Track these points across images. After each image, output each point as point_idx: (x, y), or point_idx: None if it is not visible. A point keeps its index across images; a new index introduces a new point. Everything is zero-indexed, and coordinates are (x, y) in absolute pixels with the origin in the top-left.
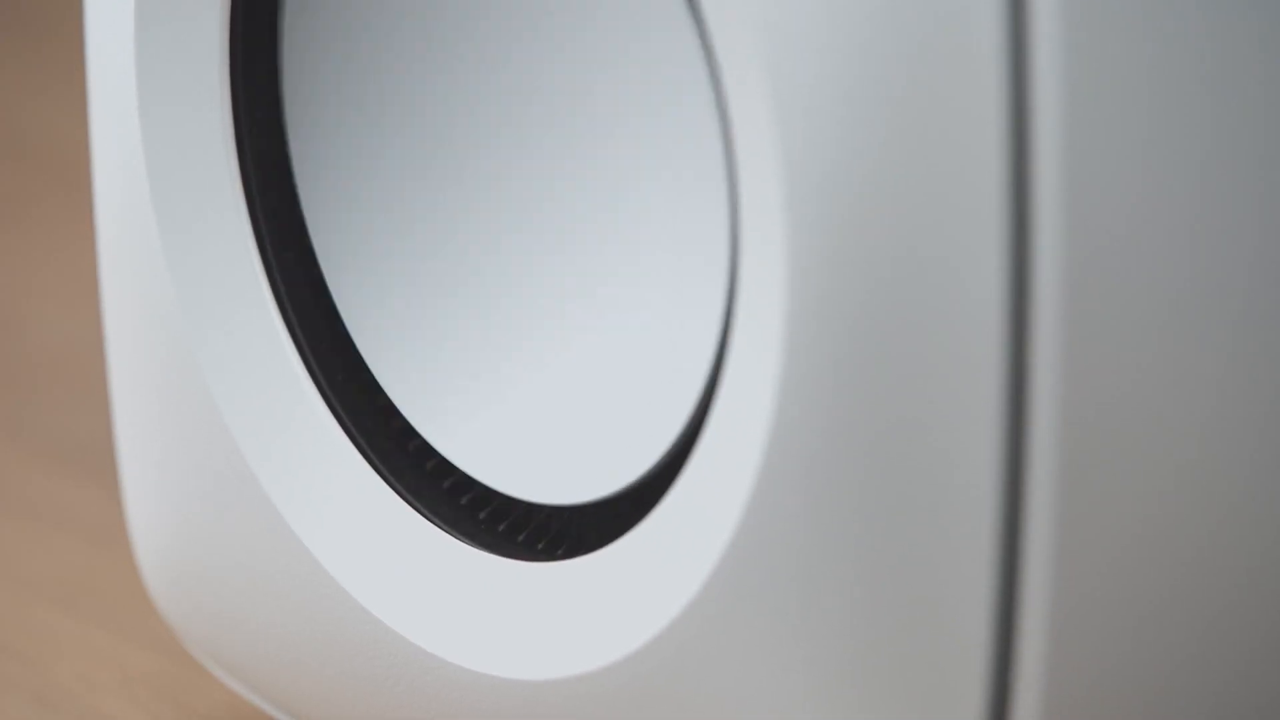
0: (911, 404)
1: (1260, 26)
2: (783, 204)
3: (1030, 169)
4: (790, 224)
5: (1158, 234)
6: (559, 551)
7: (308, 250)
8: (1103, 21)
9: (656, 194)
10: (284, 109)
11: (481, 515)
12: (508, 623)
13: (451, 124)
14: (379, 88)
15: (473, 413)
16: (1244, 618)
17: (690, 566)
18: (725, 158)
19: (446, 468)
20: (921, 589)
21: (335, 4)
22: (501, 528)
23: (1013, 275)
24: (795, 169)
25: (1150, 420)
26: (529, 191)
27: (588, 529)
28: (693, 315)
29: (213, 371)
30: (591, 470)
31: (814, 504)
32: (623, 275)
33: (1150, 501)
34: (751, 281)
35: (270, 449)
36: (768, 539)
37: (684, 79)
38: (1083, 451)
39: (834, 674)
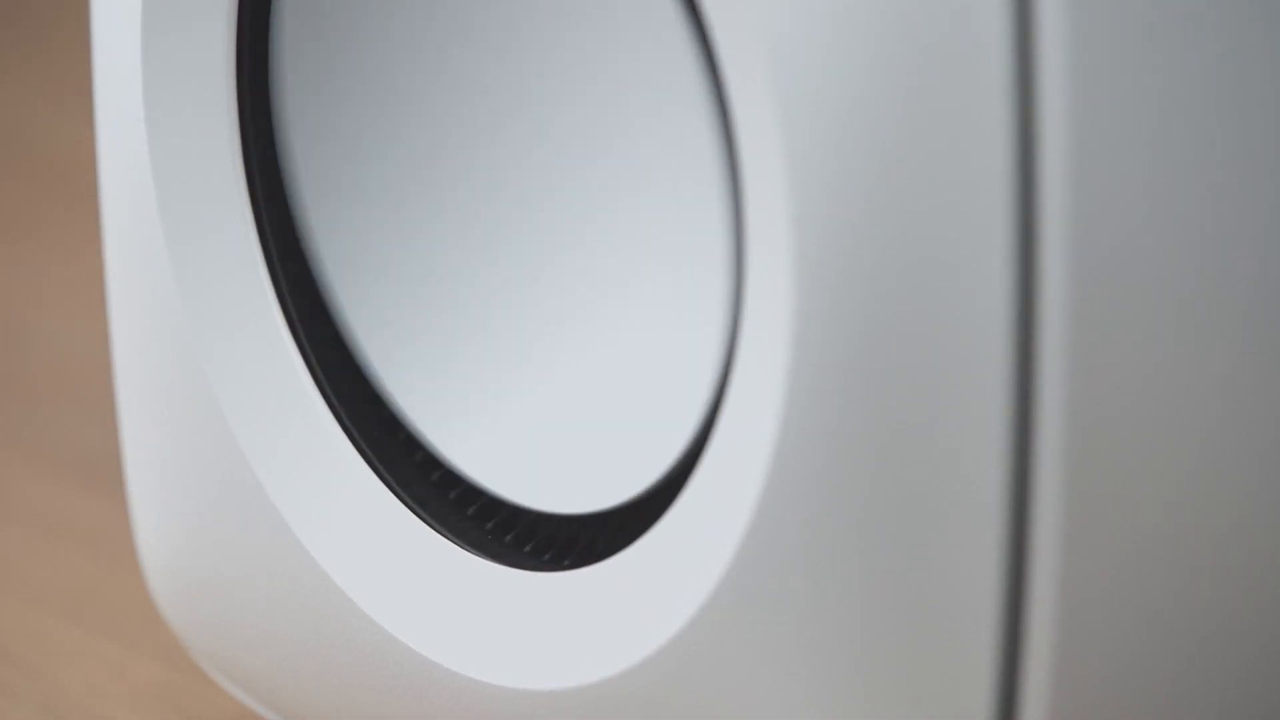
0: (918, 410)
1: (1271, 36)
2: (788, 211)
3: (1036, 175)
4: (796, 231)
5: (1164, 241)
6: (566, 561)
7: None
8: (1109, 28)
9: (658, 200)
10: (279, 120)
11: (488, 525)
12: (514, 632)
13: (454, 133)
14: (377, 98)
15: (479, 421)
16: (1252, 624)
17: (697, 575)
18: (728, 164)
19: (453, 477)
20: (929, 595)
21: (329, 14)
22: (508, 538)
23: (1019, 282)
24: (801, 176)
25: (1157, 426)
26: (532, 199)
27: (595, 538)
28: (699, 322)
29: (219, 381)
30: (599, 479)
31: (821, 511)
32: (628, 283)
33: (1157, 507)
34: (758, 289)
35: (276, 459)
36: (775, 547)
37: (685, 85)
38: (1089, 458)
39: (841, 680)
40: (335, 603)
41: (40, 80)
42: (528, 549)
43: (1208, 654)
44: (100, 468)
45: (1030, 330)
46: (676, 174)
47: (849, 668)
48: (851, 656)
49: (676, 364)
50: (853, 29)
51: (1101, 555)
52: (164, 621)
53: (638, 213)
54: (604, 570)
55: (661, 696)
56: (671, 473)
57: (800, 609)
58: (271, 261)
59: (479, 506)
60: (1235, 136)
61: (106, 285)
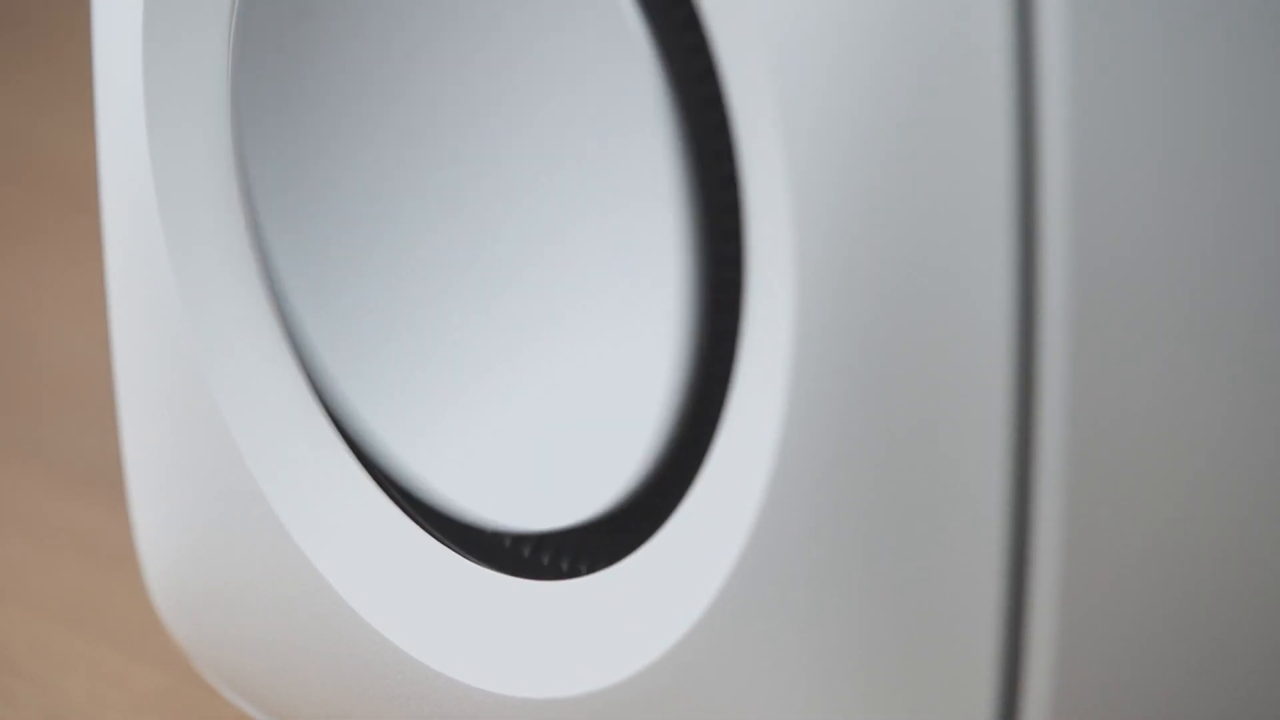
0: (920, 419)
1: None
2: (790, 219)
3: (1038, 186)
4: (798, 241)
5: (1166, 250)
6: (566, 569)
7: None
8: (1112, 41)
9: (621, 210)
10: (236, 139)
11: (488, 532)
12: (516, 641)
13: (418, 147)
14: (335, 113)
15: (451, 445)
16: (1253, 636)
17: (699, 583)
18: (686, 177)
19: None
20: (930, 604)
21: (288, 29)
22: (508, 544)
23: (1021, 293)
24: (803, 184)
25: (1158, 433)
26: (496, 215)
27: (595, 546)
28: (659, 328)
29: (221, 390)
30: (567, 494)
31: (823, 518)
32: (590, 289)
33: (1159, 514)
34: (760, 297)
35: (278, 467)
36: (776, 555)
37: (645, 103)
38: (1091, 465)
39: (842, 688)
40: (336, 611)
41: (41, 87)
42: (527, 555)
43: (1208, 664)
44: (102, 476)
45: (1031, 340)
46: (626, 188)
47: (850, 676)
48: (853, 665)
49: (634, 377)
50: (856, 41)
51: (1103, 564)
52: (166, 630)
53: (601, 223)
54: (606, 578)
55: (663, 704)
56: (654, 480)
57: (802, 616)
58: None
59: None
60: (1239, 146)
61: (108, 293)
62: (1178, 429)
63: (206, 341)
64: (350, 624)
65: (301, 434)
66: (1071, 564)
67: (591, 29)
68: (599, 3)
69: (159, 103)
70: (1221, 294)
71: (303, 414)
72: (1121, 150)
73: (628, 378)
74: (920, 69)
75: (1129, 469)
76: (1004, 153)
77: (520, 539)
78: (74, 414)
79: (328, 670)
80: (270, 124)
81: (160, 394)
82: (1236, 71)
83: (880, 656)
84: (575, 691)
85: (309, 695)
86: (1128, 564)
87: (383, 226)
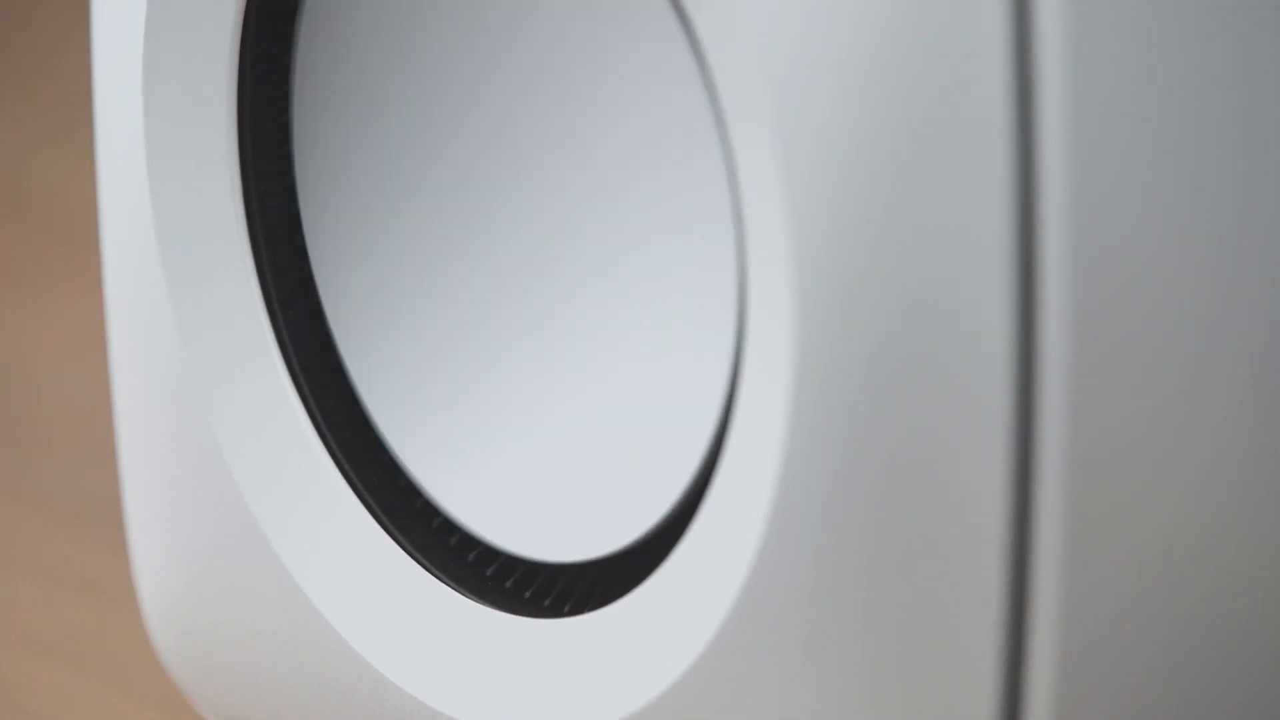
0: (919, 452)
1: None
2: (790, 254)
3: (1037, 220)
4: (797, 274)
5: (1165, 285)
6: (567, 607)
7: (316, 306)
8: (1112, 77)
9: (666, 245)
10: (294, 164)
11: (488, 571)
12: (517, 680)
13: (459, 181)
14: (389, 145)
15: (478, 470)
16: (1254, 648)
17: (699, 621)
18: (734, 207)
19: (453, 524)
20: (932, 637)
21: (348, 61)
22: (508, 584)
23: (1020, 325)
24: (802, 220)
25: (1157, 462)
26: (536, 251)
27: (595, 585)
28: (700, 366)
29: (221, 429)
30: (597, 526)
31: (824, 553)
32: (629, 328)
33: (1157, 543)
34: (759, 333)
35: (278, 507)
36: (775, 592)
37: (694, 129)
38: (1090, 494)
39: (846, 717)
40: (337, 651)
41: (38, 122)
42: (528, 595)
43: (1208, 693)
44: (101, 515)
45: (1031, 372)
46: (679, 218)
47: (852, 710)
48: (854, 699)
49: (676, 409)
50: (856, 77)
51: (1102, 592)
52: (165, 670)
53: (644, 258)
54: (605, 616)
55: None
56: (669, 518)
57: (803, 651)
58: (272, 307)
59: (479, 552)
60: (1239, 193)
61: (108, 331)
62: (1176, 464)
63: (207, 380)
64: (350, 663)
65: (303, 475)
66: (1072, 598)
67: (648, 57)
68: (655, 32)
69: (160, 136)
70: (1222, 334)
71: (303, 453)
72: (1121, 191)
73: (673, 405)
74: (921, 108)
75: (1128, 502)
76: (1003, 192)
77: (520, 580)
78: (74, 452)
79: (328, 710)
80: (326, 156)
81: (160, 433)
82: (1239, 130)
83: (882, 690)
84: None
85: None
86: (1128, 595)
87: (428, 259)
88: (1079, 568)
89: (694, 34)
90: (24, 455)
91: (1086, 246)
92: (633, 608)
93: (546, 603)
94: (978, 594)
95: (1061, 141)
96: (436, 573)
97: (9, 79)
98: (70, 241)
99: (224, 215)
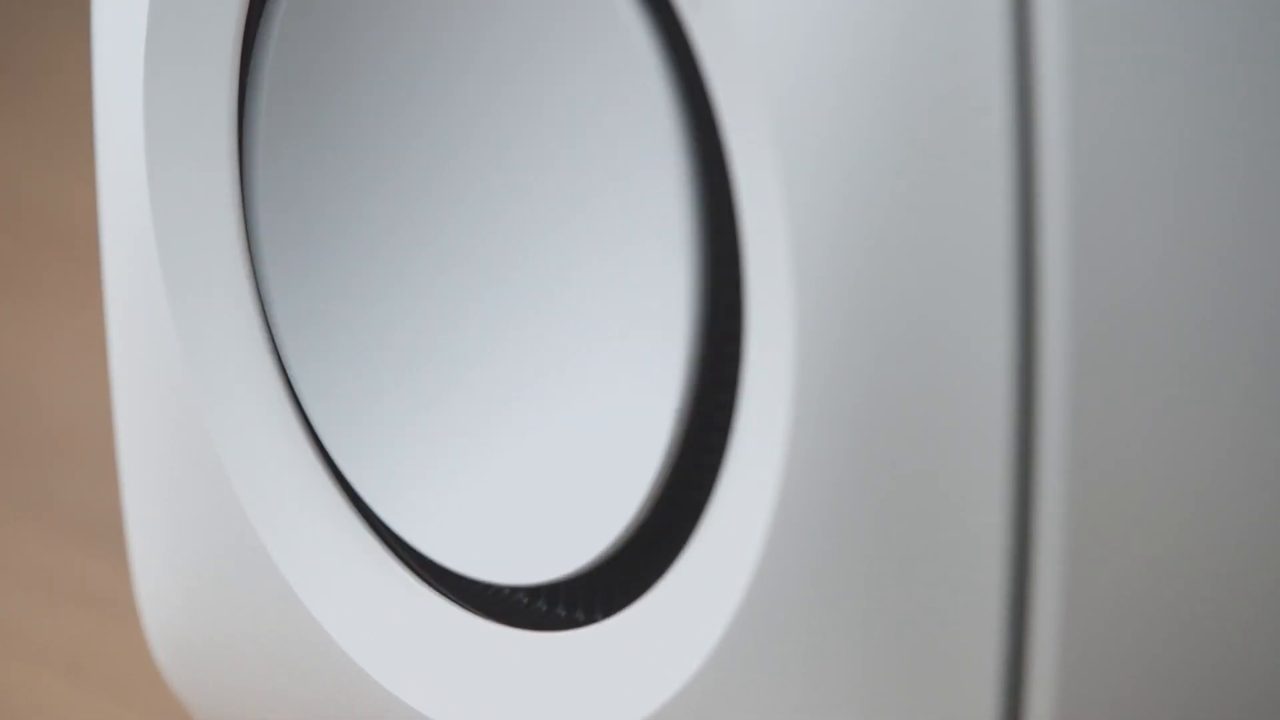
0: (920, 459)
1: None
2: (789, 263)
3: (1037, 227)
4: (797, 283)
5: (1166, 291)
6: (566, 615)
7: None
8: (1110, 82)
9: (624, 269)
10: (249, 194)
11: (488, 584)
12: (519, 693)
13: (414, 203)
14: (340, 169)
15: (442, 502)
16: (1256, 653)
17: (700, 633)
18: (698, 236)
19: None
20: (934, 646)
21: (300, 76)
22: (507, 592)
23: (1020, 332)
24: (802, 228)
25: (1158, 470)
26: (495, 273)
27: (596, 596)
28: (655, 376)
29: (222, 442)
30: (554, 547)
31: (825, 559)
32: (584, 346)
33: (1157, 552)
34: (759, 345)
35: (279, 520)
36: (776, 604)
37: (651, 148)
38: (1091, 502)
39: None
40: (338, 665)
41: (37, 135)
42: (530, 606)
43: (1207, 703)
44: (102, 528)
45: (1031, 379)
46: (632, 243)
47: (854, 717)
48: (856, 705)
49: (632, 424)
50: (857, 93)
51: (1103, 606)
52: (166, 683)
53: (600, 280)
54: (609, 627)
55: None
56: (640, 531)
57: (806, 661)
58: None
59: None
60: (1243, 212)
61: (108, 344)
62: (1176, 477)
63: (208, 393)
64: (351, 676)
65: (304, 487)
66: (1073, 607)
67: (610, 73)
68: (618, 47)
69: (161, 151)
70: (1223, 332)
71: (305, 467)
72: (1122, 206)
73: (626, 425)
74: (921, 125)
75: (1128, 516)
76: (1003, 208)
77: (520, 590)
78: (74, 466)
79: None
80: (279, 179)
81: (160, 444)
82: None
83: (884, 696)
84: None
85: None
86: (1129, 609)
87: (386, 277)
88: (1080, 576)
89: (691, 42)
90: (23, 466)
91: (1087, 254)
92: (636, 616)
93: (547, 614)
94: (978, 601)
95: (1061, 149)
96: (437, 586)
97: (9, 89)
98: (70, 251)
99: (225, 226)
